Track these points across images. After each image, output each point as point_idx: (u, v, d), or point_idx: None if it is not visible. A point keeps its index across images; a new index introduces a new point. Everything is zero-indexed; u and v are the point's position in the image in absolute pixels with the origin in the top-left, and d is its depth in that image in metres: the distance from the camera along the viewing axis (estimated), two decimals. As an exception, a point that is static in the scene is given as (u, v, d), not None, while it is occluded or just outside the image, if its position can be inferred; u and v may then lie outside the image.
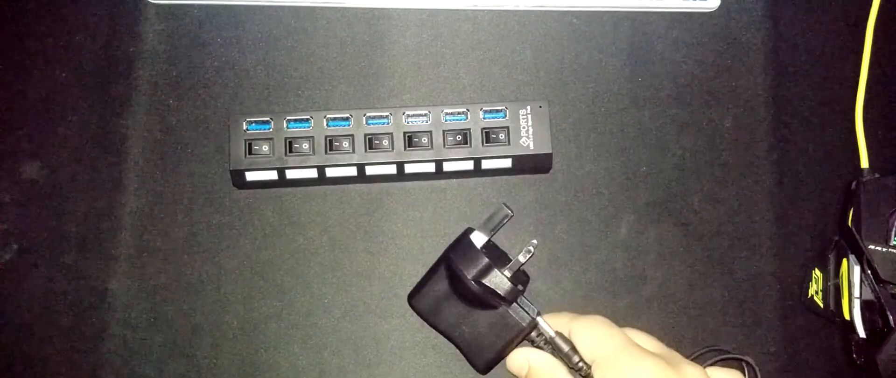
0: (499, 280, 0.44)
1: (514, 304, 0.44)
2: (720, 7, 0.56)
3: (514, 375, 0.45)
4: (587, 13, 0.56)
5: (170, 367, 0.49)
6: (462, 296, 0.45)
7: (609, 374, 0.41)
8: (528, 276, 0.48)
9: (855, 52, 0.55)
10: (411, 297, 0.47)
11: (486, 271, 0.44)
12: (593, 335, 0.43)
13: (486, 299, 0.44)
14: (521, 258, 0.44)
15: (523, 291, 0.45)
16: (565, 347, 0.43)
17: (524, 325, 0.44)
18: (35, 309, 0.50)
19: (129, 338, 0.50)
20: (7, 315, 0.50)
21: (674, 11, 0.56)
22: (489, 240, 0.46)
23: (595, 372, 0.41)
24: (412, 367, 0.50)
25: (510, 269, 0.44)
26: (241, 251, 0.51)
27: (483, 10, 0.56)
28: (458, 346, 0.46)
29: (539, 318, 0.44)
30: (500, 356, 0.45)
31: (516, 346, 0.45)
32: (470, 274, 0.44)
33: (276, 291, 0.51)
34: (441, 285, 0.45)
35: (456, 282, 0.45)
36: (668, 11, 0.56)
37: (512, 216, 0.46)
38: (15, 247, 0.51)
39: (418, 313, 0.46)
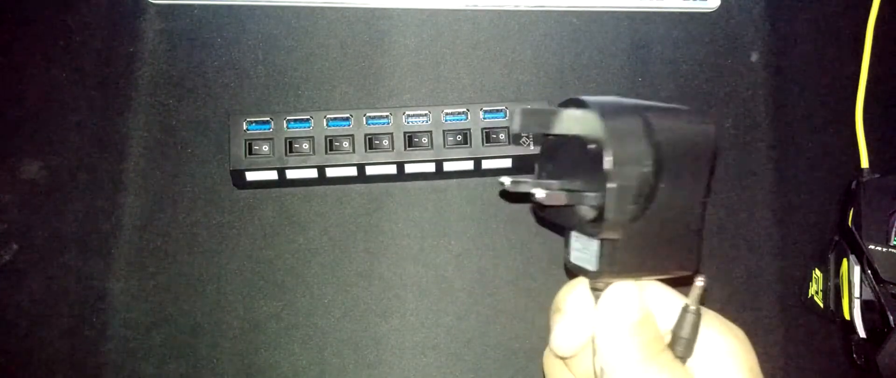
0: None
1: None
2: (720, 7, 0.56)
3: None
4: (587, 13, 0.56)
5: (170, 367, 0.49)
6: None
7: None
8: None
9: (855, 52, 0.55)
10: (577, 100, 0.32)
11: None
12: (608, 338, 0.31)
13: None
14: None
15: None
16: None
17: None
18: (35, 309, 0.50)
19: (129, 338, 0.50)
20: (7, 315, 0.50)
21: (674, 11, 0.56)
22: None
23: None
24: (412, 367, 0.50)
25: None
26: (241, 251, 0.51)
27: (483, 10, 0.56)
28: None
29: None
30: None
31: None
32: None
33: (276, 291, 0.51)
34: (638, 126, 0.31)
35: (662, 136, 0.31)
36: (668, 11, 0.56)
37: None
38: (15, 247, 0.51)
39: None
